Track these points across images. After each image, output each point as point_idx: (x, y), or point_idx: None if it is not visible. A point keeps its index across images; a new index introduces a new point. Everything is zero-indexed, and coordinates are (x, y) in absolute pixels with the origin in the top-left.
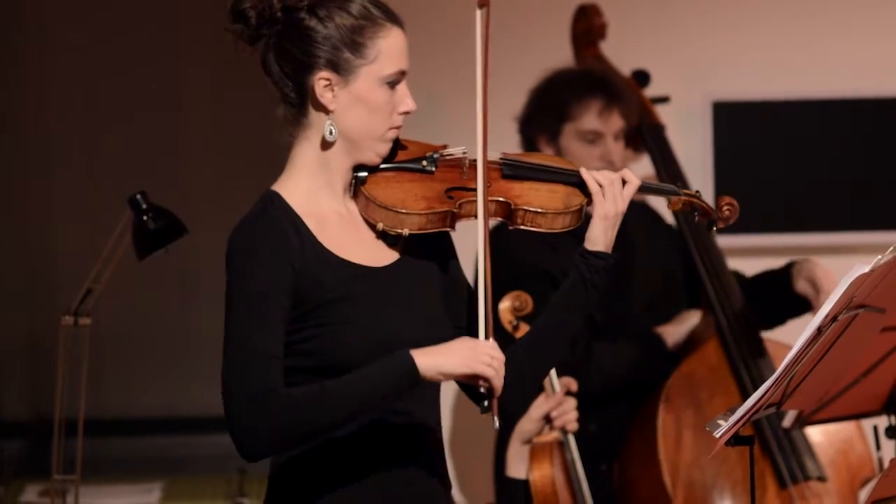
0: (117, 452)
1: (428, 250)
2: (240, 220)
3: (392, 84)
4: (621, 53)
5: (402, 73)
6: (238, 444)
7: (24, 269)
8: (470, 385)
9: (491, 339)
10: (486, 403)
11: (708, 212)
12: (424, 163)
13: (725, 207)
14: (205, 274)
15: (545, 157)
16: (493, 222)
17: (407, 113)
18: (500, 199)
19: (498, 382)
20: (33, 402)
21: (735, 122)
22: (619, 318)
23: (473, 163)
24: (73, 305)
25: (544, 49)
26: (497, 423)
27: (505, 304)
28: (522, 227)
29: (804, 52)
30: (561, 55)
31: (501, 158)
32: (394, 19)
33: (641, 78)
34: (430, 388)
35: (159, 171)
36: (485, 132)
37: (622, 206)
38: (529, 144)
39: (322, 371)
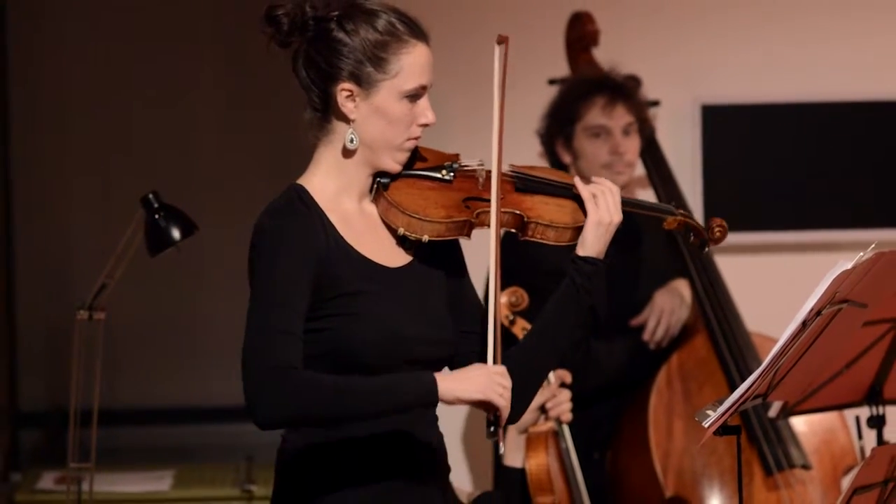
0: (130, 441)
1: (439, 256)
2: (268, 206)
3: (413, 98)
4: (613, 59)
5: (424, 88)
6: (252, 411)
7: (42, 267)
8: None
9: (500, 366)
10: (492, 430)
11: (700, 232)
12: (443, 172)
13: (717, 229)
14: (213, 269)
15: (548, 170)
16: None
17: (426, 125)
18: (515, 211)
19: (507, 412)
20: (50, 394)
21: (723, 125)
22: (620, 316)
23: (489, 174)
24: (87, 300)
25: (539, 56)
26: (502, 449)
27: (502, 300)
28: (533, 238)
29: (790, 57)
30: (555, 62)
31: (512, 171)
32: (418, 35)
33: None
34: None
35: (171, 172)
36: (499, 150)
37: (616, 216)
38: (551, 155)
39: (329, 358)
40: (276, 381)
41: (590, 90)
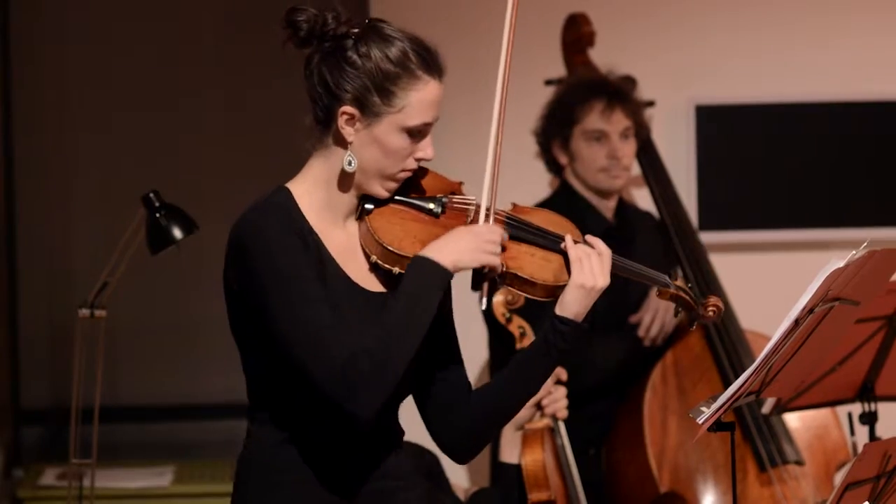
0: (131, 437)
1: None
2: (248, 208)
3: (414, 133)
4: (609, 60)
5: (429, 125)
6: (352, 414)
7: (44, 265)
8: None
9: (490, 222)
10: (478, 283)
11: (691, 307)
12: (432, 205)
13: (711, 309)
14: (214, 268)
15: (546, 217)
16: None
17: (423, 160)
18: None
19: (499, 267)
20: (52, 391)
21: (717, 125)
22: (615, 314)
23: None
24: (89, 298)
25: (535, 57)
26: (485, 304)
27: (498, 298)
28: (510, 287)
29: (783, 58)
30: (551, 63)
31: (507, 216)
32: (431, 70)
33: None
34: (390, 406)
35: (171, 171)
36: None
37: (601, 281)
38: (547, 155)
39: (291, 371)
40: (359, 373)
41: (589, 93)
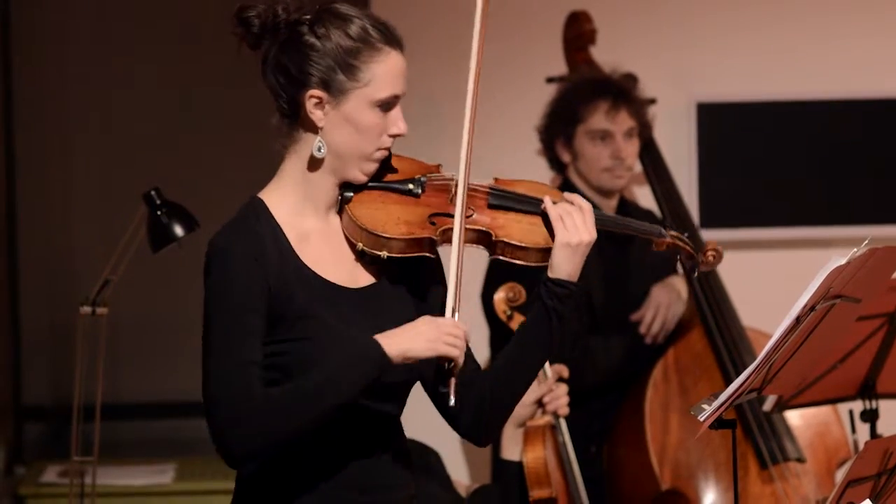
0: (133, 435)
1: (410, 273)
2: (222, 226)
3: (384, 107)
4: (610, 58)
5: (397, 98)
6: (224, 452)
7: (45, 263)
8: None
9: (455, 316)
10: (444, 381)
11: (691, 255)
12: (411, 186)
13: (710, 253)
14: None
15: (528, 185)
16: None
17: (397, 136)
18: (482, 228)
19: (461, 361)
20: (53, 388)
21: (718, 123)
22: (616, 311)
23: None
24: (91, 296)
25: (537, 55)
26: (453, 401)
27: (500, 295)
28: (502, 258)
29: (784, 57)
30: (553, 60)
31: (491, 187)
32: (392, 42)
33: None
34: (394, 385)
35: (173, 169)
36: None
37: (587, 235)
38: (549, 150)
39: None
40: (249, 415)
41: (594, 93)
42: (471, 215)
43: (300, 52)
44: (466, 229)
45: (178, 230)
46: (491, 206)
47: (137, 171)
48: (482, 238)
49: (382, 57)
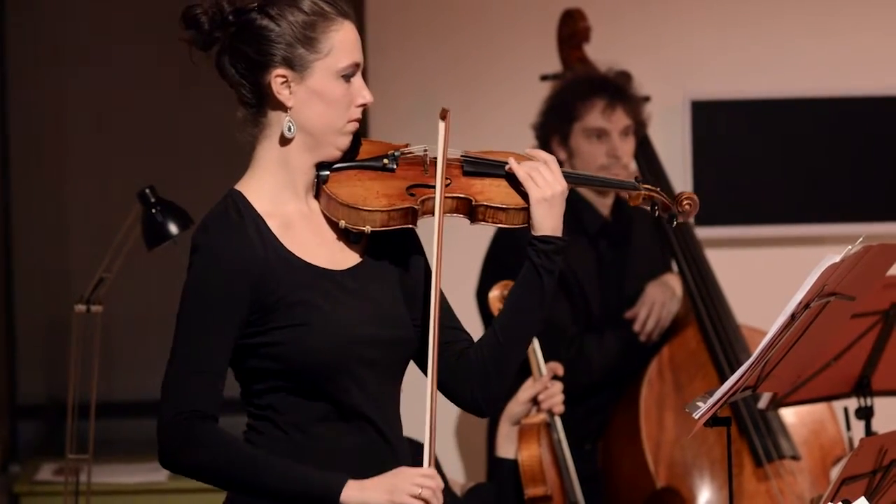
0: (127, 433)
1: (392, 248)
2: (202, 220)
3: (347, 77)
4: (604, 55)
5: (357, 66)
6: (160, 452)
7: (40, 261)
8: None
9: (430, 467)
10: None
11: (667, 206)
12: (385, 161)
13: (686, 202)
14: None
15: (504, 153)
16: (455, 219)
17: (364, 105)
18: (461, 195)
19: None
20: (48, 386)
21: (712, 120)
22: (611, 309)
23: (434, 160)
24: (85, 294)
25: (531, 52)
26: None
27: (494, 294)
28: (484, 222)
29: (778, 54)
30: (547, 58)
31: (463, 155)
32: (344, 13)
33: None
34: (387, 392)
35: (167, 167)
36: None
37: (558, 185)
38: (544, 147)
39: (288, 374)
40: (180, 428)
41: (590, 91)
42: (449, 184)
43: (257, 35)
44: (446, 198)
45: (173, 228)
46: (466, 174)
47: (132, 169)
48: (462, 205)
49: (337, 26)
